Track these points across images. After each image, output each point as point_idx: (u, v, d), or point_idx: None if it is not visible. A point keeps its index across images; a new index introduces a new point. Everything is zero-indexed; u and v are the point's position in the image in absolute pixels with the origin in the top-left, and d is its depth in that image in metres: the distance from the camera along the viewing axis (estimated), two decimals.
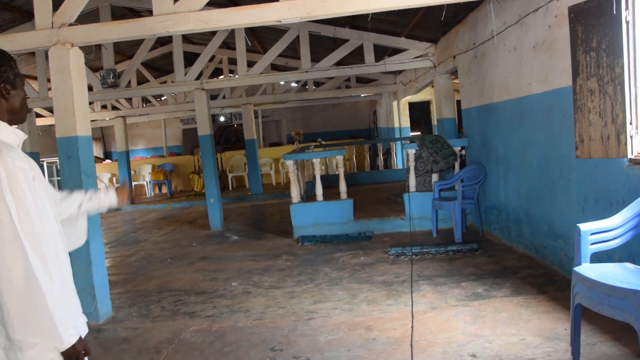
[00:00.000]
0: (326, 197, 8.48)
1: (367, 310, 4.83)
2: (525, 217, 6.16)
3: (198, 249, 8.45)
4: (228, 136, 24.54)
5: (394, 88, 14.77)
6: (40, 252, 1.80)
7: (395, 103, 15.87)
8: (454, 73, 8.90)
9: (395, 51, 10.09)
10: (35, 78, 11.84)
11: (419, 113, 16.47)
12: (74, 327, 1.89)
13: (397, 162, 15.48)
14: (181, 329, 4.84)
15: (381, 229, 8.17)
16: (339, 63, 9.96)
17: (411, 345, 3.91)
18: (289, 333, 4.46)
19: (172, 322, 5.08)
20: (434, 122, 14.24)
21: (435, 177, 8.16)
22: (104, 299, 5.38)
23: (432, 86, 10.63)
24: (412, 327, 4.29)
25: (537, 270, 5.51)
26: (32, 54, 10.87)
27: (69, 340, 1.84)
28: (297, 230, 8.33)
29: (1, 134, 1.85)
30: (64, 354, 1.87)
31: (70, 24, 5.15)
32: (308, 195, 9.83)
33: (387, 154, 15.73)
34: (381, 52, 10.42)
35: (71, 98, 5.13)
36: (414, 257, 6.56)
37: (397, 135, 15.54)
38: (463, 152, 8.54)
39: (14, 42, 5.38)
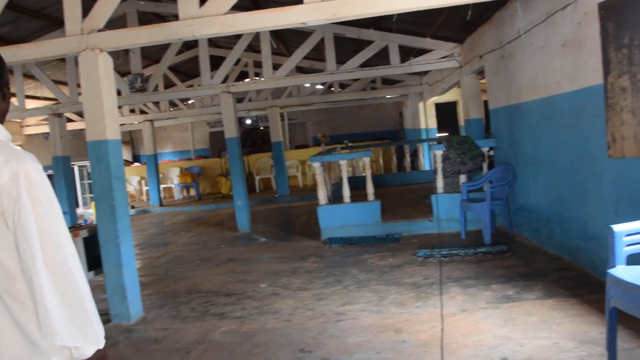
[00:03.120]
0: (353, 198, 8.47)
1: (396, 312, 4.81)
2: (556, 218, 6.06)
3: (226, 251, 8.52)
4: (254, 139, 24.67)
5: (420, 89, 14.68)
6: (74, 253, 1.80)
7: (421, 104, 15.79)
8: (481, 73, 8.82)
9: (421, 52, 10.04)
10: (65, 83, 12.07)
11: (446, 114, 16.35)
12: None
13: (424, 164, 15.38)
14: (210, 329, 4.88)
15: (409, 230, 8.13)
16: (364, 64, 9.94)
17: (441, 348, 3.88)
18: (318, 335, 4.46)
19: (201, 323, 5.12)
20: (461, 122, 14.14)
21: (463, 178, 8.09)
22: (134, 300, 5.46)
23: (459, 87, 10.54)
24: (441, 329, 4.25)
25: (569, 273, 5.41)
26: (63, 60, 11.09)
27: (101, 344, 1.84)
28: (324, 232, 8.34)
29: (3, 136, 1.81)
30: (95, 355, 1.84)
31: (99, 30, 5.25)
32: (335, 197, 9.83)
33: (414, 155, 15.64)
34: (406, 53, 10.38)
35: (100, 102, 5.23)
36: (442, 259, 6.51)
37: (424, 137, 15.46)
38: (491, 152, 8.45)
39: (44, 49, 5.51)
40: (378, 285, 5.69)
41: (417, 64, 9.78)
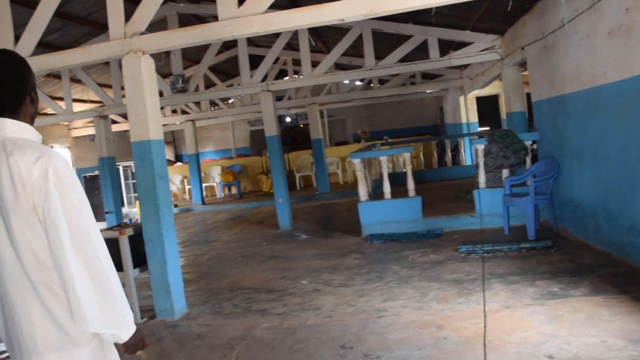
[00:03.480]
0: (394, 194, 8.43)
1: (438, 308, 4.77)
2: (602, 212, 5.89)
3: (267, 248, 8.59)
4: (294, 136, 24.78)
5: (460, 83, 14.47)
6: (102, 245, 1.88)
7: (462, 98, 15.56)
8: (523, 65, 8.62)
9: (461, 45, 9.90)
10: (110, 86, 12.39)
11: (487, 108, 16.07)
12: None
13: (466, 159, 15.16)
14: (252, 326, 4.94)
15: (450, 226, 8.04)
16: (403, 59, 9.86)
17: (484, 345, 3.83)
18: (359, 331, 4.46)
19: (243, 319, 5.19)
20: (503, 116, 13.88)
21: (505, 172, 7.94)
22: (178, 296, 5.56)
23: (500, 79, 10.34)
24: (484, 326, 4.20)
25: (617, 269, 5.25)
26: (107, 63, 11.37)
27: (132, 330, 1.92)
28: (365, 229, 8.32)
29: (32, 137, 1.93)
30: (127, 343, 1.93)
31: (141, 34, 5.37)
32: (375, 194, 9.79)
33: (455, 150, 15.44)
34: (446, 47, 10.24)
35: (143, 104, 5.35)
36: (485, 254, 6.41)
37: (465, 131, 15.23)
38: (534, 146, 8.26)
39: (90, 53, 5.67)
40: (419, 282, 5.65)
41: (457, 58, 9.65)
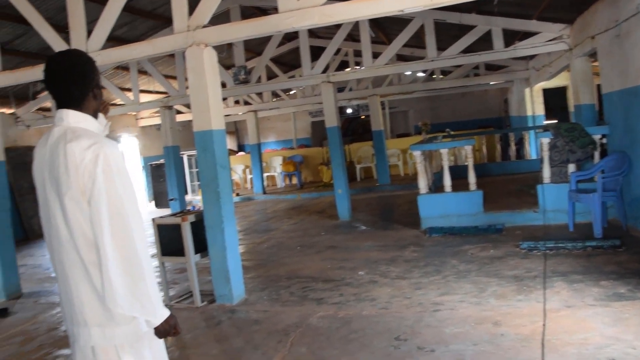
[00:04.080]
0: (454, 188, 8.31)
1: (496, 304, 4.69)
2: None
3: (326, 238, 8.66)
4: (355, 128, 24.73)
5: (526, 74, 14.02)
6: (140, 231, 2.00)
7: (527, 90, 15.10)
8: (593, 55, 8.27)
9: (526, 35, 9.58)
10: (175, 77, 12.74)
11: (554, 100, 15.50)
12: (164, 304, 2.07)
13: (530, 152, 14.71)
14: (309, 314, 5.02)
15: (512, 221, 7.85)
16: (466, 50, 9.66)
17: (542, 344, 3.74)
18: (414, 323, 4.46)
19: (300, 307, 5.27)
20: (571, 109, 13.37)
21: (572, 167, 7.67)
22: (237, 282, 5.71)
23: (568, 70, 9.96)
24: (543, 325, 4.10)
25: None
26: (172, 55, 11.70)
27: (162, 315, 2.03)
28: (424, 222, 8.25)
29: (93, 127, 2.10)
30: (157, 328, 2.05)
31: (204, 26, 5.50)
32: (436, 186, 9.68)
33: (520, 143, 15.01)
34: (511, 37, 9.94)
35: (206, 95, 5.50)
36: (547, 252, 6.23)
37: (530, 124, 14.78)
38: (604, 140, 7.93)
39: (156, 46, 5.87)
40: (478, 277, 5.56)
41: (522, 48, 9.35)
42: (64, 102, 2.09)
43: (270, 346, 4.36)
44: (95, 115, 2.15)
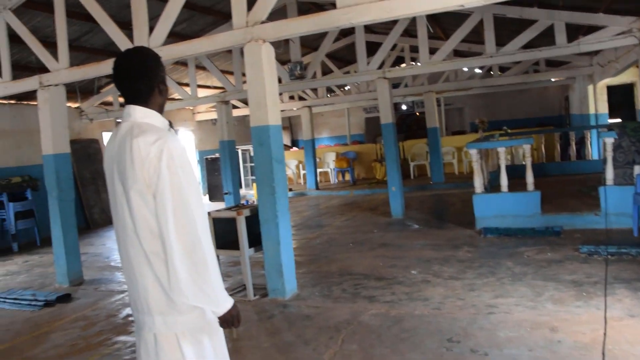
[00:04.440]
0: (511, 188, 8.11)
1: (552, 309, 4.55)
2: None
3: (378, 236, 8.62)
4: (409, 124, 24.48)
5: (590, 70, 13.50)
6: (204, 223, 2.07)
7: (590, 87, 14.56)
8: None
9: (591, 29, 9.21)
10: (231, 73, 12.94)
11: (620, 97, 14.88)
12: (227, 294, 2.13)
13: (592, 153, 14.18)
14: (360, 311, 5.01)
15: (571, 224, 7.60)
16: (527, 46, 9.38)
17: (602, 354, 3.61)
18: (467, 325, 4.39)
19: (351, 304, 5.27)
20: (639, 107, 12.84)
21: (637, 169, 7.35)
22: (290, 277, 5.76)
23: (637, 66, 9.54)
24: (604, 333, 3.95)
25: None
26: (229, 51, 11.87)
27: (226, 305, 2.09)
28: (479, 221, 8.10)
29: (158, 122, 2.16)
30: (221, 318, 2.11)
31: (262, 22, 5.56)
32: (492, 186, 9.47)
33: (581, 143, 14.48)
34: (574, 31, 9.60)
35: (263, 90, 5.56)
36: (609, 257, 6.00)
37: (593, 123, 14.25)
38: None
39: (215, 42, 5.97)
40: (534, 280, 5.42)
41: (586, 43, 8.98)
42: (131, 98, 2.17)
43: (321, 342, 4.38)
44: (160, 111, 2.22)
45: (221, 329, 2.19)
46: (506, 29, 10.46)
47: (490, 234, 7.70)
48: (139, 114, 2.14)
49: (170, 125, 2.22)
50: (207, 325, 2.12)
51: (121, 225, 2.11)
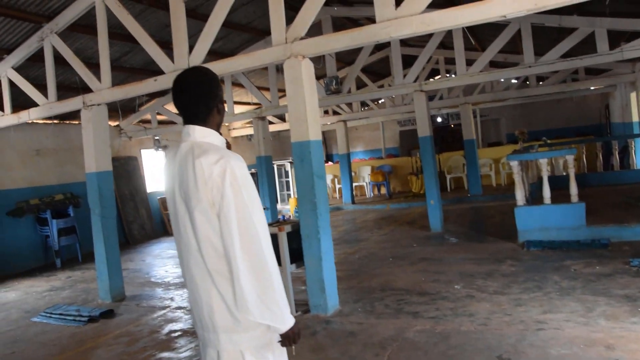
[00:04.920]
0: (553, 199, 7.93)
1: (606, 326, 4.40)
2: None
3: (418, 250, 8.52)
4: (444, 137, 24.26)
5: (632, 77, 13.15)
6: (268, 241, 2.06)
7: (633, 94, 14.20)
8: None
9: (634, 35, 8.98)
10: (267, 89, 13.04)
11: None
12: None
13: (637, 162, 13.79)
14: (405, 327, 4.93)
15: (619, 236, 7.37)
16: (566, 55, 9.19)
17: None
18: (517, 342, 4.27)
19: (395, 320, 5.20)
20: None
21: None
22: (332, 292, 5.72)
23: None
24: None
25: None
26: (265, 67, 11.96)
27: (290, 322, 2.08)
28: (521, 234, 7.93)
29: (217, 141, 2.19)
30: (282, 335, 2.10)
31: (301, 38, 5.58)
32: (532, 198, 9.28)
33: (624, 152, 14.11)
34: (615, 38, 9.36)
35: (304, 106, 5.57)
36: None
37: (636, 131, 13.87)
38: None
39: (254, 59, 6.02)
40: (583, 295, 5.26)
41: (630, 50, 8.74)
42: (190, 117, 2.19)
43: (367, 359, 4.32)
44: (218, 130, 2.24)
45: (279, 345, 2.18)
46: (544, 38, 10.29)
47: (533, 247, 7.53)
48: (199, 133, 2.16)
49: (227, 144, 2.22)
50: (271, 342, 2.12)
51: (184, 245, 2.12)
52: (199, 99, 2.17)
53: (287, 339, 2.11)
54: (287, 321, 2.06)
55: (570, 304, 5.05)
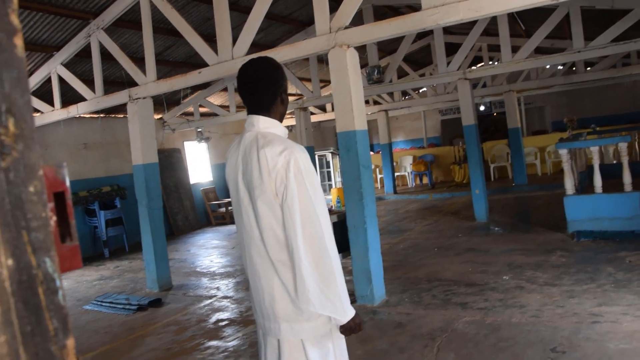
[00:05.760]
0: (604, 188, 7.66)
1: None
2: None
3: (464, 240, 8.39)
4: (487, 125, 23.83)
5: None
6: (330, 233, 2.05)
7: None
8: None
9: None
10: (308, 79, 13.02)
11: None
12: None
13: None
14: (453, 318, 4.87)
15: None
16: (617, 39, 8.85)
17: None
18: (571, 335, 4.16)
19: (443, 311, 5.13)
20: None
21: None
22: (378, 283, 5.68)
23: None
24: None
25: None
26: (306, 58, 11.95)
27: (350, 313, 2.05)
28: (571, 225, 7.71)
29: (281, 132, 2.17)
30: (344, 326, 2.08)
31: (345, 28, 5.52)
32: (582, 187, 9.01)
33: None
34: None
35: (349, 96, 5.52)
36: None
37: None
38: None
39: (299, 49, 6.00)
40: None
41: None
42: (255, 107, 2.19)
43: (416, 350, 4.28)
44: (281, 120, 2.23)
45: (341, 335, 2.17)
46: (593, 22, 9.94)
47: (584, 237, 7.32)
48: (263, 124, 2.16)
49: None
50: (331, 331, 2.12)
51: (247, 234, 2.13)
52: (264, 88, 2.17)
53: (348, 330, 2.10)
54: (348, 313, 2.04)
55: (626, 296, 4.88)
